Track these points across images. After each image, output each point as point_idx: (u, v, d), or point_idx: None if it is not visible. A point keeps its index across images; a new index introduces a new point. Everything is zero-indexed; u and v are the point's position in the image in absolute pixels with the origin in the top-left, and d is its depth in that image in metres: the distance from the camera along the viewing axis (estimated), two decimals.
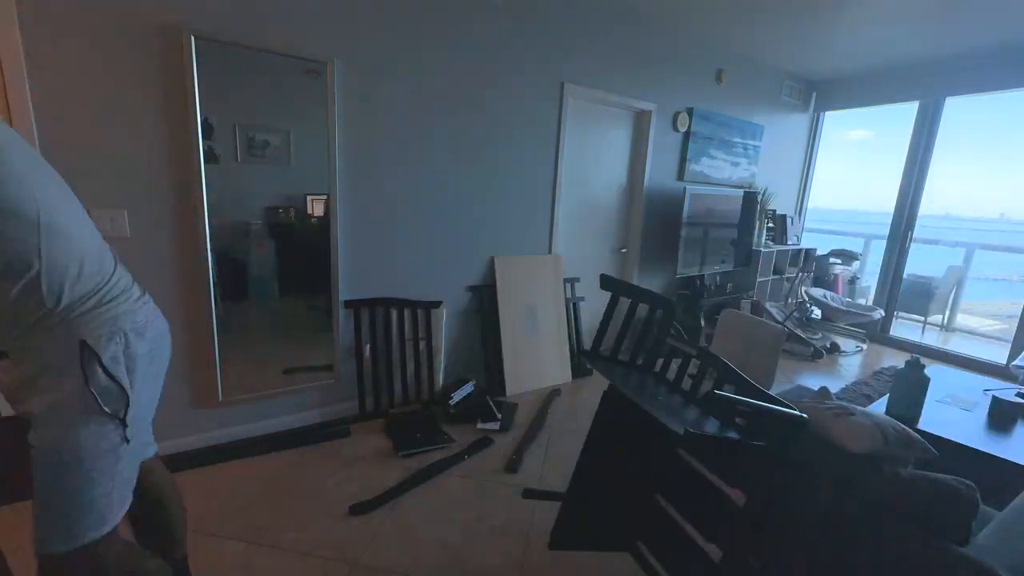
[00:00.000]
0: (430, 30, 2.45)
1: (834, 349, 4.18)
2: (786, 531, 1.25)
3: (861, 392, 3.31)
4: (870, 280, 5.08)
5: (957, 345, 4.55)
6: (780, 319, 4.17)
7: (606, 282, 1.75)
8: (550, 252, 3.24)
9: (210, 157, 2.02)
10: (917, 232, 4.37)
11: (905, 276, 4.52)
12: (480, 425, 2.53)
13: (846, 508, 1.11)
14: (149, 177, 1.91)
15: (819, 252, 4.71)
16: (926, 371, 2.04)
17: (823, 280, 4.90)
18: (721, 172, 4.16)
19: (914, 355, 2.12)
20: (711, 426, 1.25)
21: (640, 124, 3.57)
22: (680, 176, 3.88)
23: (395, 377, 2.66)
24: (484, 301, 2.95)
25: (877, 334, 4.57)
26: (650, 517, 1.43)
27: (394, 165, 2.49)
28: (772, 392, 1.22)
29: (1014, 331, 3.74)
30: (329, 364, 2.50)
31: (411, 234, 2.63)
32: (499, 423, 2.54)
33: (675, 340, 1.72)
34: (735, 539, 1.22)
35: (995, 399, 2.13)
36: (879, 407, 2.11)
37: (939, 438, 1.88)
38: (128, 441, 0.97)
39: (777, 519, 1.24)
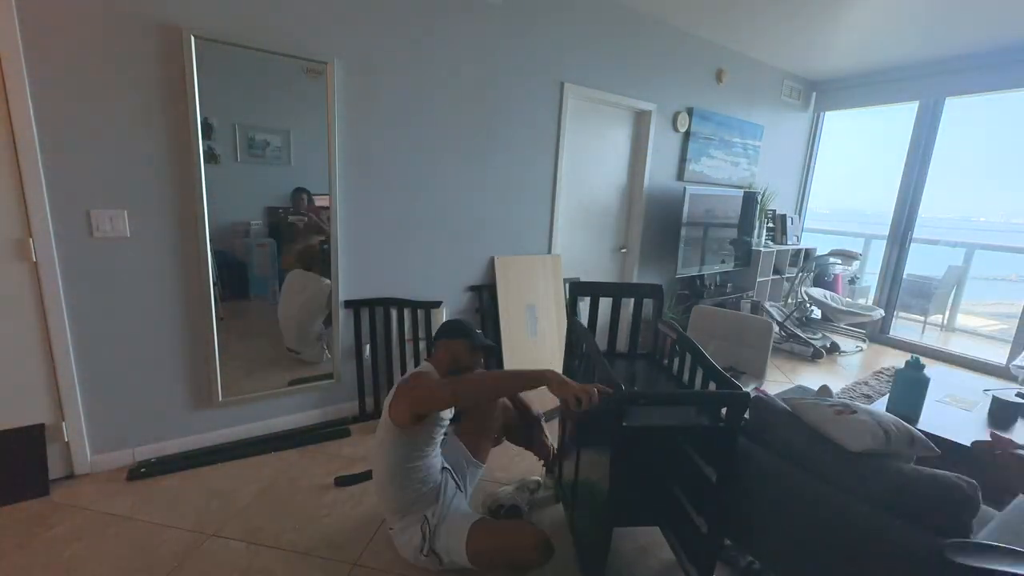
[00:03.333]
0: (430, 30, 2.45)
1: (834, 349, 4.18)
2: (780, 521, 1.25)
3: (861, 392, 3.31)
4: (870, 280, 5.08)
5: (957, 345, 4.56)
6: (780, 319, 4.18)
7: (580, 288, 1.79)
8: (550, 252, 3.24)
9: (210, 157, 2.02)
10: (917, 232, 4.37)
11: (905, 276, 4.52)
12: None
13: (847, 505, 1.11)
14: (149, 177, 1.91)
15: (819, 252, 4.71)
16: (926, 371, 2.04)
17: (823, 280, 4.90)
18: (721, 172, 4.16)
19: (914, 355, 2.11)
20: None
21: (640, 124, 3.57)
22: (680, 176, 3.88)
23: (395, 377, 2.66)
24: (484, 301, 2.95)
25: (877, 334, 4.57)
26: (666, 497, 1.49)
27: (394, 165, 2.49)
28: (772, 392, 1.25)
29: (1014, 331, 3.74)
30: (329, 364, 2.50)
31: (411, 234, 2.63)
32: None
33: (663, 324, 1.77)
34: (713, 510, 1.32)
35: (995, 399, 2.13)
36: (879, 408, 2.11)
37: (939, 438, 1.87)
38: None
39: (747, 495, 1.33)
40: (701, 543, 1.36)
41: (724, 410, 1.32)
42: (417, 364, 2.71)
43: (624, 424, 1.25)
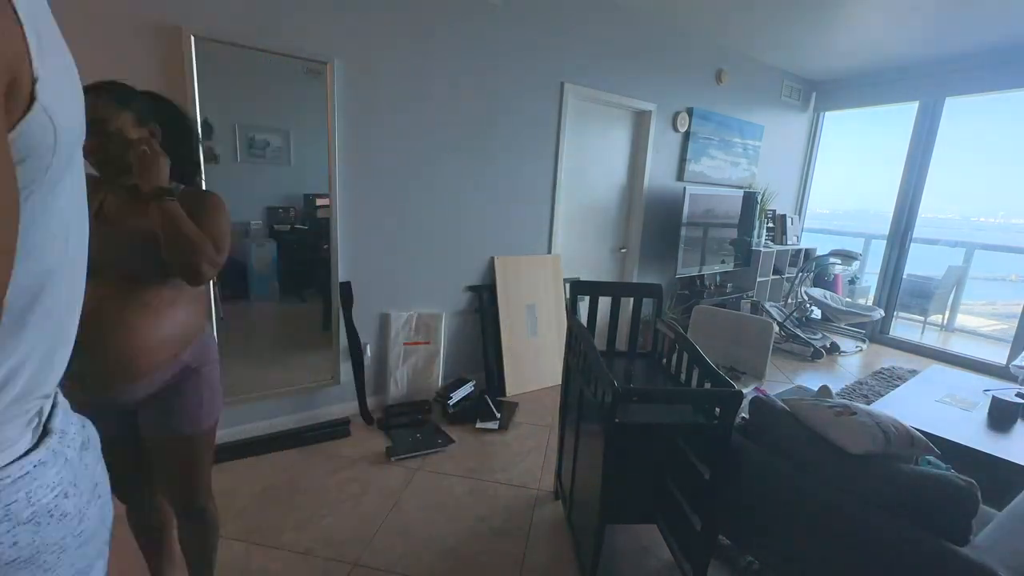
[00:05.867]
0: (430, 30, 2.45)
1: (834, 349, 4.18)
2: (779, 521, 1.25)
3: (860, 392, 3.31)
4: (870, 280, 5.08)
5: (957, 345, 4.56)
6: (780, 319, 4.18)
7: (580, 287, 1.80)
8: (550, 252, 3.24)
9: (210, 157, 2.02)
10: (917, 232, 4.37)
11: (905, 276, 4.52)
12: (479, 425, 2.53)
13: (846, 506, 1.11)
14: None
15: (819, 252, 4.71)
16: (926, 371, 2.03)
17: (823, 280, 4.90)
18: (721, 172, 4.16)
19: None
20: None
21: (640, 124, 3.57)
22: (680, 176, 3.88)
23: (395, 377, 2.66)
24: (484, 301, 2.95)
25: (877, 334, 4.57)
26: (661, 495, 1.50)
27: (394, 165, 2.49)
28: (772, 393, 1.25)
29: (1014, 331, 3.74)
30: (329, 364, 2.50)
31: (411, 234, 2.63)
32: (499, 423, 2.54)
33: (662, 324, 1.78)
34: (707, 509, 1.32)
35: (995, 399, 2.13)
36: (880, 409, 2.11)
37: (939, 438, 1.88)
38: None
39: (746, 495, 1.33)
40: (696, 541, 1.36)
41: (718, 409, 1.33)
42: (417, 365, 2.71)
43: (617, 421, 1.25)
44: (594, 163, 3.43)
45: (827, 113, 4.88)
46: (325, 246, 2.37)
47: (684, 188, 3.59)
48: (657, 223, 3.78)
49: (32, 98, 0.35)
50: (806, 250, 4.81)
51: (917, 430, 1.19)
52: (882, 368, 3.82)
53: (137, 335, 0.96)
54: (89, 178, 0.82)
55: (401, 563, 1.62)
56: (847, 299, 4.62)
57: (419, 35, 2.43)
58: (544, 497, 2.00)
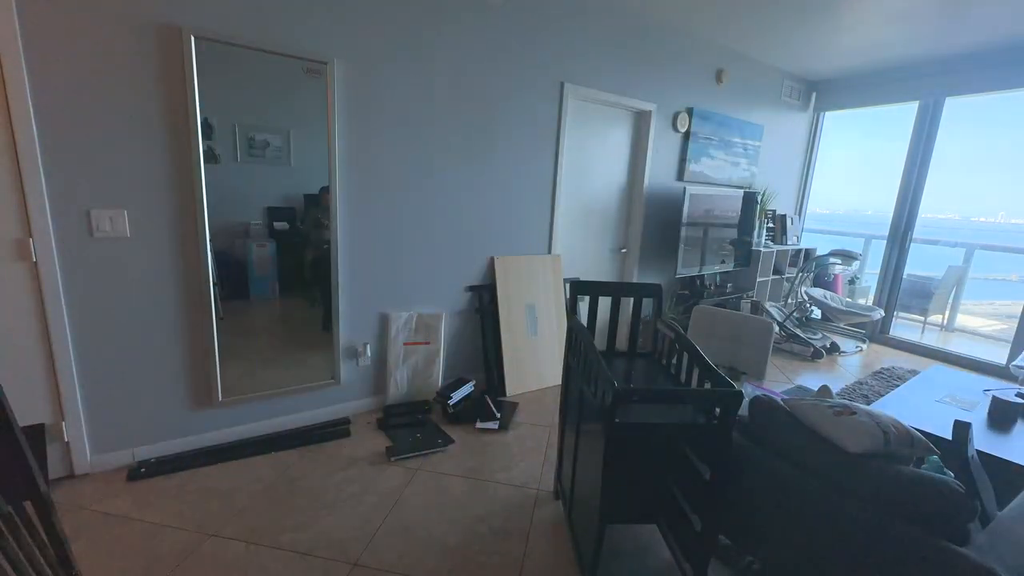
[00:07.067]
0: (430, 30, 2.45)
1: (834, 349, 4.18)
2: (779, 521, 1.25)
3: (860, 392, 3.31)
4: (870, 280, 5.08)
5: (957, 345, 4.55)
6: (780, 319, 4.17)
7: (580, 287, 1.81)
8: (550, 252, 3.24)
9: (210, 157, 2.02)
10: (917, 232, 4.37)
11: (905, 276, 4.52)
12: (479, 425, 2.53)
13: (846, 506, 1.11)
14: (149, 177, 1.91)
15: (819, 252, 4.71)
16: (927, 371, 2.03)
17: (823, 280, 4.90)
18: (721, 172, 4.16)
19: None
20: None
21: (640, 124, 3.57)
22: (680, 176, 3.88)
23: (395, 378, 2.66)
24: (484, 301, 2.95)
25: (877, 334, 4.57)
26: (661, 495, 1.50)
27: (394, 165, 2.49)
28: (775, 392, 1.25)
29: (1014, 331, 3.74)
30: (329, 364, 2.50)
31: (411, 234, 2.63)
32: (499, 423, 2.54)
33: (662, 324, 1.79)
34: (707, 509, 1.32)
35: (995, 399, 2.13)
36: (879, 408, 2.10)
37: (939, 438, 1.88)
38: None
39: (746, 495, 1.33)
40: (696, 541, 1.36)
41: (718, 409, 1.33)
42: (417, 364, 2.71)
43: (617, 421, 1.25)
44: (594, 163, 3.43)
45: (827, 113, 4.88)
46: (325, 246, 2.37)
47: (684, 188, 3.59)
48: (657, 223, 3.78)
49: None
50: (806, 250, 4.81)
51: (917, 430, 1.19)
52: (882, 368, 3.82)
53: None
54: None
55: (401, 563, 1.62)
56: (847, 299, 4.62)
57: (419, 35, 2.43)
58: (544, 497, 2.00)
